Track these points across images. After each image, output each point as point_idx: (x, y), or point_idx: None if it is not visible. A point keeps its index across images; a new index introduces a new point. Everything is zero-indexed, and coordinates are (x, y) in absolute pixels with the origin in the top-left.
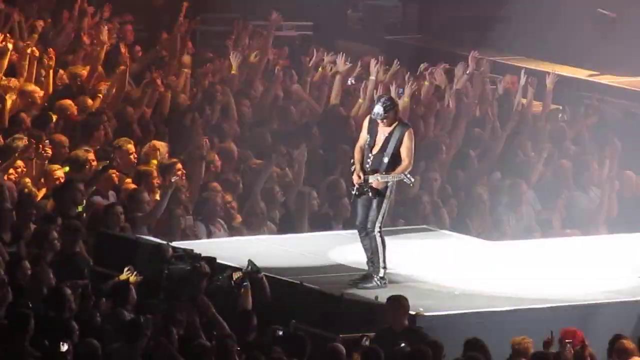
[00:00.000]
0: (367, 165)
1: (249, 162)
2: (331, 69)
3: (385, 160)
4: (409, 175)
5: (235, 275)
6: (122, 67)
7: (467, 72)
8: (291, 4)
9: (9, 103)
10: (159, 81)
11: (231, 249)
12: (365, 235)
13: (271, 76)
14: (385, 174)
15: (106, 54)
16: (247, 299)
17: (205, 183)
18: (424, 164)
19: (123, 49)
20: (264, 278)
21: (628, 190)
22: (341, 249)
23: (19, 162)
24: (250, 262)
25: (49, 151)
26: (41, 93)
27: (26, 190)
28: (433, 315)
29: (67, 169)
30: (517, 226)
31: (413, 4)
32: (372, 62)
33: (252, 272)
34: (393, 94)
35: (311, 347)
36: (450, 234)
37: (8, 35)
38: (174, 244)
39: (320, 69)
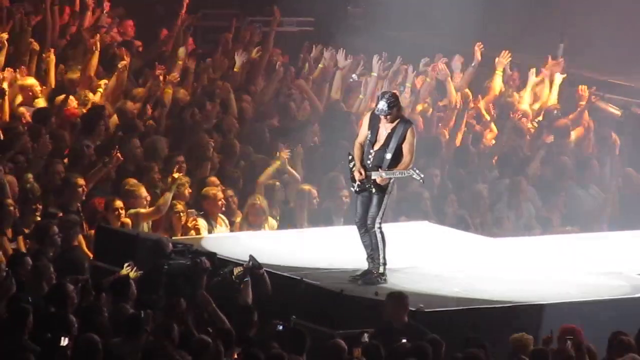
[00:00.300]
0: (369, 162)
1: (250, 157)
2: (334, 65)
3: (388, 156)
4: (417, 171)
5: (236, 271)
6: (123, 62)
7: (473, 64)
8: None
9: (8, 96)
10: (161, 77)
11: (232, 244)
12: (365, 231)
13: (272, 72)
14: (388, 170)
15: (106, 49)
16: (248, 294)
17: (205, 178)
18: (424, 161)
19: (123, 45)
20: (265, 274)
21: (629, 188)
22: (341, 244)
23: (20, 157)
24: (251, 257)
25: (49, 146)
26: (40, 88)
27: (28, 185)
28: (433, 312)
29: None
30: (517, 223)
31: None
32: (375, 58)
33: (254, 267)
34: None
35: (311, 342)
36: (451, 230)
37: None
38: (174, 239)
39: (320, 65)
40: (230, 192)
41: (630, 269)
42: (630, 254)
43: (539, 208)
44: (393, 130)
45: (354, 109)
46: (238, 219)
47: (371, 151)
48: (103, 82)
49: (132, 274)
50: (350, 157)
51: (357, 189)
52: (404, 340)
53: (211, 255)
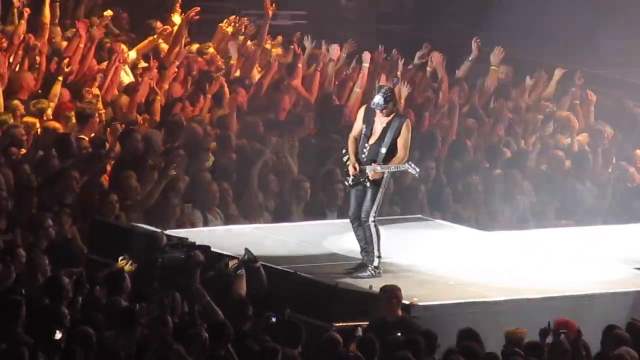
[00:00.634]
0: (363, 156)
1: (244, 148)
2: (327, 60)
3: (383, 150)
4: (413, 165)
5: (231, 263)
6: (120, 53)
7: (470, 58)
8: None
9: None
10: (154, 70)
11: (226, 238)
12: (358, 225)
13: (266, 66)
14: (383, 164)
15: (102, 42)
16: (242, 287)
17: (201, 171)
18: (418, 153)
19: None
20: (261, 268)
21: (622, 182)
22: (336, 238)
23: (14, 149)
24: (247, 251)
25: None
26: (34, 80)
27: (25, 176)
28: (427, 305)
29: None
30: (512, 216)
31: None
32: (366, 51)
33: (249, 261)
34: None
35: (306, 335)
36: (445, 223)
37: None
38: (169, 232)
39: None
40: (225, 185)
41: (625, 262)
42: (625, 247)
43: (533, 202)
44: (388, 124)
45: (349, 102)
46: (233, 212)
47: (366, 145)
48: (98, 75)
49: (127, 267)
50: (344, 151)
51: (351, 183)
52: (398, 334)
53: (205, 249)
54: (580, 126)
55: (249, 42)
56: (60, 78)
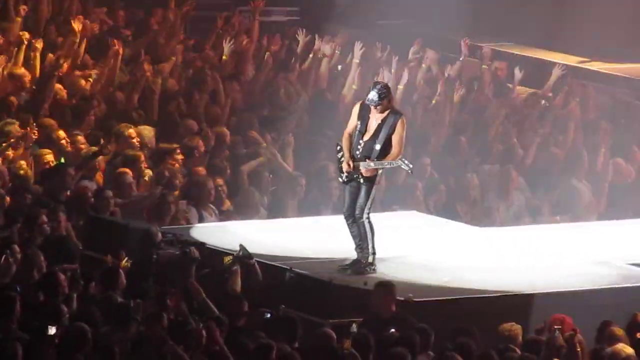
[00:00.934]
0: (357, 152)
1: (238, 147)
2: (321, 55)
3: (377, 147)
4: (406, 162)
5: (226, 259)
6: (115, 49)
7: (460, 58)
8: None
9: None
10: (146, 66)
11: (220, 234)
12: (353, 222)
13: (261, 62)
14: (377, 161)
15: (97, 38)
16: (236, 282)
17: (192, 167)
18: (411, 150)
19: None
20: (256, 264)
21: (618, 178)
22: (330, 234)
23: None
24: (241, 247)
25: (36, 134)
26: (29, 77)
27: (21, 172)
28: (422, 302)
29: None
30: (507, 213)
31: None
32: (357, 45)
33: (244, 257)
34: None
35: (301, 331)
36: (440, 220)
37: None
38: (164, 228)
39: (310, 54)
40: (219, 181)
41: (619, 258)
42: (619, 243)
43: (528, 198)
44: (383, 121)
45: (338, 96)
46: (227, 208)
47: (360, 141)
48: (94, 72)
49: (122, 263)
50: (338, 148)
51: (345, 179)
52: (393, 330)
53: (200, 245)
54: (576, 122)
55: (242, 38)
56: (56, 74)
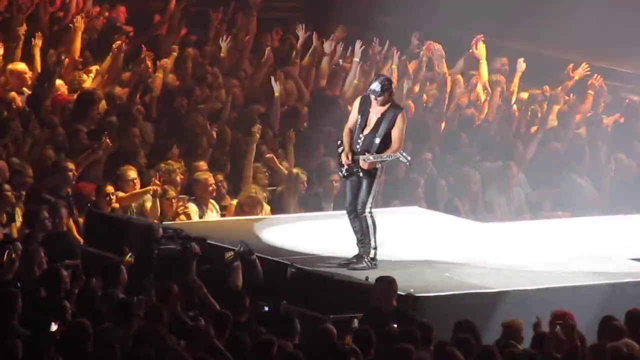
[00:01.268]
0: (358, 146)
1: (239, 143)
2: (321, 52)
3: (377, 141)
4: (404, 154)
5: (227, 255)
6: (119, 43)
7: (465, 55)
8: None
9: None
10: (148, 62)
11: (221, 230)
12: (355, 217)
13: (261, 58)
14: (377, 154)
15: (98, 34)
16: (238, 278)
17: (193, 163)
18: (412, 145)
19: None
20: (257, 260)
21: (620, 174)
22: (331, 229)
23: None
24: (242, 243)
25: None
26: (30, 73)
27: (18, 168)
28: (423, 297)
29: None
30: (508, 208)
31: None
32: (357, 44)
33: (245, 253)
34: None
35: (300, 326)
36: (441, 214)
37: None
38: (165, 224)
39: (309, 50)
40: (220, 177)
41: (621, 253)
42: (621, 238)
43: (529, 193)
44: (383, 115)
45: (340, 92)
46: (232, 203)
47: (361, 135)
48: (95, 67)
49: (126, 259)
50: (339, 143)
51: (345, 173)
52: (394, 325)
53: (201, 241)
54: (580, 117)
55: (241, 34)
56: (57, 70)
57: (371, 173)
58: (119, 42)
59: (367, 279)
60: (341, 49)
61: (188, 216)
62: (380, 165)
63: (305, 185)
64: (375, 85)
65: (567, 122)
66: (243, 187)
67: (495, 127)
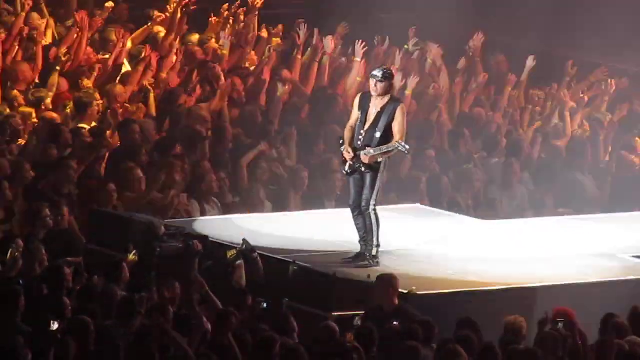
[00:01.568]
0: (359, 142)
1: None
2: (322, 52)
3: (377, 135)
4: (403, 143)
5: (229, 253)
6: (120, 41)
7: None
8: None
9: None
10: (153, 60)
11: (223, 227)
12: (358, 214)
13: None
14: (377, 147)
15: (100, 32)
16: (241, 276)
17: (199, 161)
18: (415, 142)
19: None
20: (259, 257)
21: (623, 170)
22: (334, 227)
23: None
24: (244, 241)
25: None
26: (32, 70)
27: (19, 166)
28: (425, 294)
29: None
30: (510, 205)
31: None
32: (358, 43)
33: (247, 250)
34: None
35: (302, 324)
36: (443, 212)
37: None
38: (167, 221)
39: (309, 49)
40: (222, 175)
41: (623, 251)
42: (623, 236)
43: (532, 191)
44: (382, 109)
45: (342, 90)
46: (230, 202)
47: (362, 132)
48: (97, 65)
49: (130, 257)
50: (341, 141)
51: (348, 170)
52: (395, 323)
53: (203, 238)
54: (584, 115)
55: (243, 32)
56: (58, 68)
57: (374, 168)
58: (120, 41)
59: (369, 276)
60: (340, 47)
61: (190, 214)
62: (383, 160)
63: (306, 181)
64: (377, 71)
65: (569, 120)
66: (241, 186)
67: (500, 124)
